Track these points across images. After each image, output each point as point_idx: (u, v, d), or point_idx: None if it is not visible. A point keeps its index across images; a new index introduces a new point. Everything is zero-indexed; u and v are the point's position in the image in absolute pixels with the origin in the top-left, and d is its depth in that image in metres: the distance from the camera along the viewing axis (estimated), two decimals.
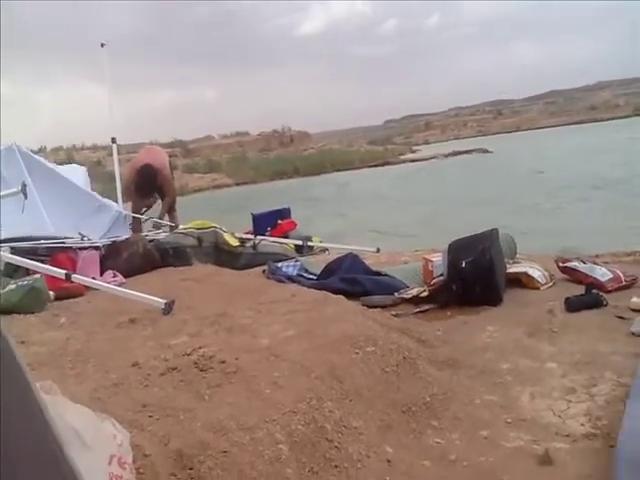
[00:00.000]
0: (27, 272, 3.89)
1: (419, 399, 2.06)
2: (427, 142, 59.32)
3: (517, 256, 3.90)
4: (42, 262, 4.00)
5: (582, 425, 1.84)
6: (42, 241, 4.57)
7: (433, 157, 36.85)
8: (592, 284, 3.12)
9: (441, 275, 3.36)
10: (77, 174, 6.59)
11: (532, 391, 2.13)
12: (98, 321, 3.15)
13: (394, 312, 3.15)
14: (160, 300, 3.16)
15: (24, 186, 4.19)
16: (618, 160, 19.32)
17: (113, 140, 6.71)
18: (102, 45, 6.54)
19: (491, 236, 3.43)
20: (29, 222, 4.75)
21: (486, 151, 36.05)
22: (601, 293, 3.00)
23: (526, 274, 3.42)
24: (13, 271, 4.04)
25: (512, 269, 3.51)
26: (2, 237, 4.35)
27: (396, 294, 3.41)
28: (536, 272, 3.43)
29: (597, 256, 3.96)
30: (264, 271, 4.29)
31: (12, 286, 3.53)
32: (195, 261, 4.74)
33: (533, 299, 3.19)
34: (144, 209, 6.79)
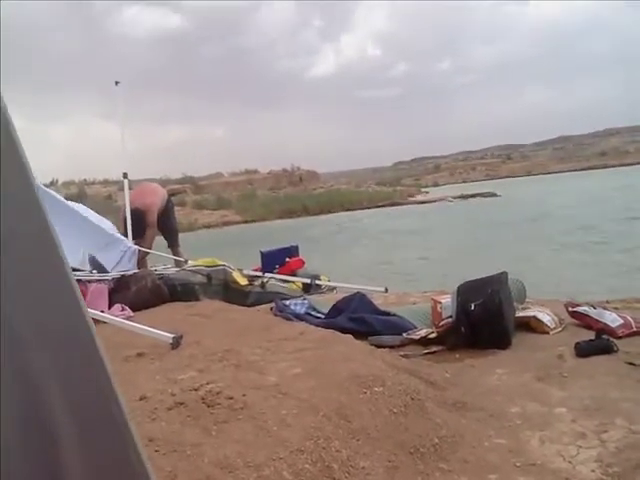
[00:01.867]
0: None
1: (427, 441, 2.04)
2: (436, 184, 59.75)
3: (526, 300, 3.89)
4: None
5: (593, 471, 1.81)
6: None
7: (442, 199, 37.09)
8: (602, 330, 3.10)
9: (450, 317, 3.35)
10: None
11: (541, 435, 2.11)
12: (106, 354, 3.14)
13: (402, 353, 3.14)
14: (168, 334, 3.16)
15: None
16: (626, 205, 19.37)
17: (125, 175, 6.79)
18: (116, 83, 6.68)
19: (500, 279, 3.43)
20: None
21: (494, 195, 36.24)
22: (611, 339, 2.99)
23: (535, 318, 3.41)
24: None
25: (521, 313, 3.50)
26: None
27: (404, 335, 3.40)
28: (545, 316, 3.41)
29: (607, 302, 3.94)
30: (272, 308, 4.29)
31: None
32: (204, 298, 4.75)
33: (542, 343, 3.17)
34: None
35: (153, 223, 6.77)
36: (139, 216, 6.56)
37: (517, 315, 3.45)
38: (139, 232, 6.63)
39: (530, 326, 3.41)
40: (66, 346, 0.60)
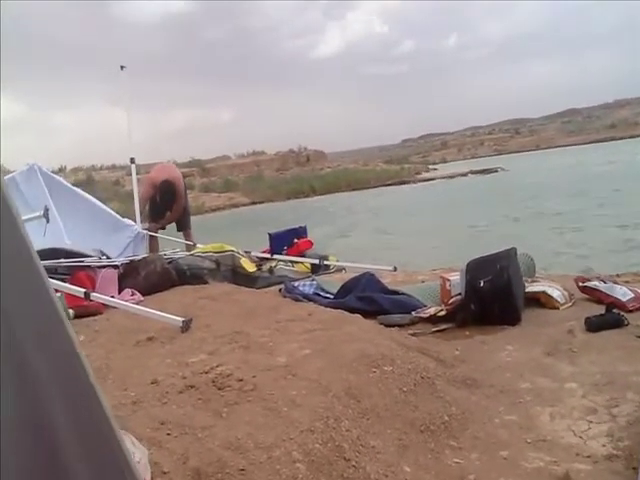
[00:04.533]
0: None
1: (437, 419, 2.05)
2: (444, 161, 59.37)
3: (536, 275, 3.87)
4: (62, 281, 4.04)
5: (603, 446, 1.81)
6: (62, 260, 4.63)
7: (450, 176, 36.90)
8: (613, 304, 3.08)
9: (459, 294, 3.34)
10: None
11: (552, 411, 2.11)
12: (117, 339, 3.17)
13: (411, 331, 3.14)
14: (178, 318, 3.18)
15: (46, 210, 4.25)
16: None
17: (132, 160, 6.80)
18: (122, 68, 6.65)
19: (509, 255, 3.41)
20: (49, 243, 4.80)
21: (503, 170, 36.06)
22: (622, 313, 2.97)
23: (545, 293, 3.39)
24: None
25: (531, 288, 3.48)
26: None
27: (413, 313, 3.40)
28: (555, 291, 3.40)
29: (618, 275, 3.92)
30: (280, 290, 4.30)
31: None
32: (212, 282, 4.75)
33: (552, 319, 3.16)
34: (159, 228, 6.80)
35: (181, 194, 6.82)
36: (169, 187, 6.60)
37: (526, 291, 3.44)
38: (170, 203, 6.66)
39: (540, 301, 3.40)
40: (41, 343, 0.59)
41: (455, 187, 29.31)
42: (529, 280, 3.64)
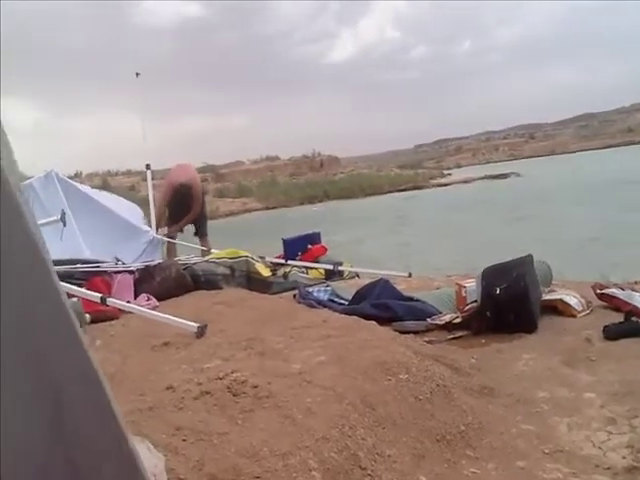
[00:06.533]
0: None
1: (454, 428, 2.03)
2: (459, 166, 59.14)
3: (553, 283, 3.84)
4: (78, 286, 4.08)
5: (624, 458, 1.79)
6: (78, 265, 4.67)
7: (464, 181, 36.78)
8: (631, 311, 3.05)
9: (475, 301, 3.32)
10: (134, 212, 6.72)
11: (570, 421, 2.08)
12: (132, 344, 3.19)
13: (427, 338, 3.12)
14: (193, 324, 3.19)
15: (63, 214, 4.30)
16: None
17: (147, 166, 6.85)
18: (137, 75, 6.73)
19: (525, 262, 3.39)
20: (66, 247, 4.85)
21: (518, 175, 35.91)
22: None
23: (562, 301, 3.36)
24: None
25: (547, 296, 3.45)
26: None
27: (429, 320, 3.38)
28: (572, 299, 3.36)
29: (636, 282, 3.87)
30: (295, 296, 4.30)
31: None
32: (227, 288, 4.77)
33: (570, 327, 3.13)
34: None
35: (199, 195, 6.83)
36: (186, 190, 6.61)
37: (543, 298, 3.41)
38: (188, 206, 6.66)
39: (557, 309, 3.37)
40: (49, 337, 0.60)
41: (471, 192, 29.14)
42: (546, 289, 3.60)
